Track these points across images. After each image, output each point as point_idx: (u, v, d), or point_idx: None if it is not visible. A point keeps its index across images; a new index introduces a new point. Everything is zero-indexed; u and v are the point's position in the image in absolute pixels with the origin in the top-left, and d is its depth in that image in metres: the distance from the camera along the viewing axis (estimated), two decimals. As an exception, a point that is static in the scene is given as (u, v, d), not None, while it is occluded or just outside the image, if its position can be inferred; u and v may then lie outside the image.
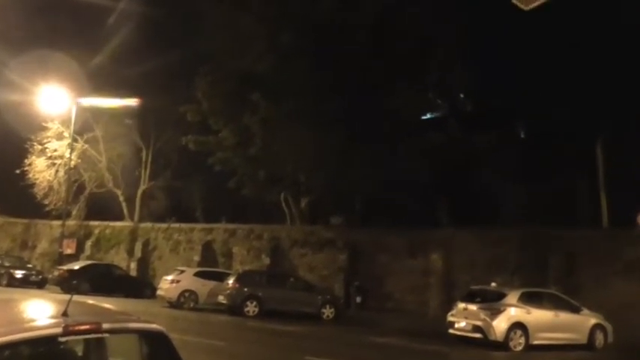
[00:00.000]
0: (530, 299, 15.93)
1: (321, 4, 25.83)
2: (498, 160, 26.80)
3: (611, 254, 21.10)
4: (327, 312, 21.67)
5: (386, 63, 25.54)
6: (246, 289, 21.16)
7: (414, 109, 27.15)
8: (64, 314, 3.38)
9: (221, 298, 21.49)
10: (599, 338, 16.34)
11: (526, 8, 4.66)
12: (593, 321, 16.41)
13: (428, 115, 31.18)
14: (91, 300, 5.09)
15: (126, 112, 33.18)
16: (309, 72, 25.47)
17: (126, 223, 35.23)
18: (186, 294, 22.89)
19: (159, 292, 24.18)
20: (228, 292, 21.27)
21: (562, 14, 20.55)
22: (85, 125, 34.46)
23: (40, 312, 3.75)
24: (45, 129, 34.38)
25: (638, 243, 18.49)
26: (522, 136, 35.15)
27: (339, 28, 25.33)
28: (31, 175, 34.36)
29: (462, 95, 29.52)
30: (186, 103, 28.99)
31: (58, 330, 3.24)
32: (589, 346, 16.13)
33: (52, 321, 3.36)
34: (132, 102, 31.25)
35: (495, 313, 15.27)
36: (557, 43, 26.86)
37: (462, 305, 16.19)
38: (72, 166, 33.73)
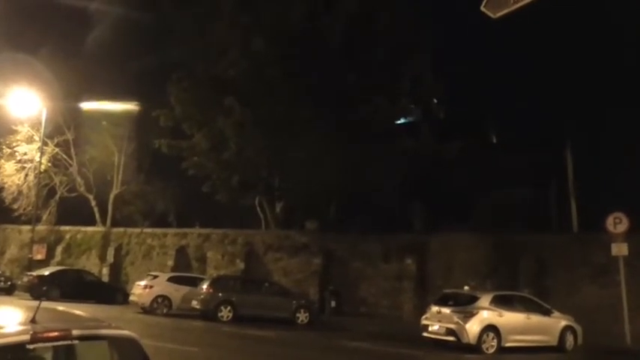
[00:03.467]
0: (502, 302, 16.12)
1: (293, 10, 25.90)
2: (470, 166, 27.14)
3: (580, 258, 21.52)
4: (302, 317, 21.65)
5: (358, 69, 25.72)
6: (220, 294, 21.02)
7: (387, 115, 27.35)
8: (33, 321, 3.34)
9: (195, 304, 21.31)
10: (570, 340, 16.62)
11: (494, 16, 4.75)
12: (563, 323, 16.69)
13: (402, 120, 31.45)
14: (61, 306, 5.02)
15: (99, 116, 32.74)
16: (282, 78, 25.52)
17: (98, 228, 34.78)
18: (160, 299, 22.65)
19: (132, 298, 23.90)
20: (202, 297, 21.11)
21: (533, 22, 20.96)
22: (56, 129, 33.98)
23: (7, 319, 3.69)
24: (14, 132, 33.83)
25: (607, 247, 18.84)
26: (494, 141, 35.71)
27: (312, 34, 25.44)
28: (-1, 179, 33.78)
29: (435, 101, 29.85)
30: (159, 107, 28.78)
31: (26, 337, 3.20)
32: (559, 347, 16.39)
33: (20, 328, 3.32)
34: (131, 106, 30.90)
35: (468, 316, 15.42)
36: (527, 51, 27.36)
37: (435, 309, 16.33)
38: (42, 170, 33.17)
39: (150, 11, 29.29)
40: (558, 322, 16.65)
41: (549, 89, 26.96)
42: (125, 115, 31.83)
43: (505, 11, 4.76)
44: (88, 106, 31.54)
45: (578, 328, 16.81)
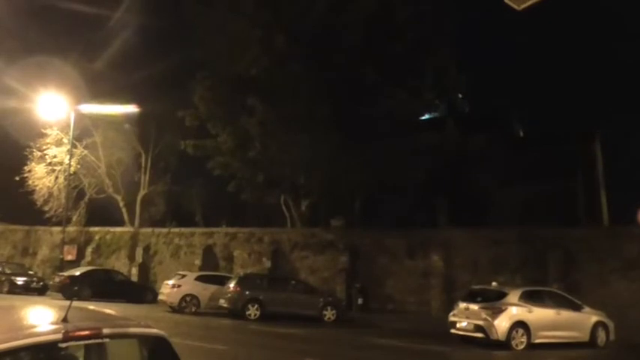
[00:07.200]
0: (531, 298, 15.91)
1: (313, 8, 25.88)
2: (497, 160, 26.83)
3: (611, 252, 21.14)
4: (329, 314, 21.67)
5: (380, 64, 25.57)
6: (247, 293, 21.16)
7: (410, 110, 27.17)
8: (64, 320, 3.39)
9: (222, 302, 21.48)
10: (601, 336, 16.32)
11: (519, 8, 4.67)
12: (594, 319, 16.39)
13: (426, 116, 31.23)
14: (92, 306, 5.11)
15: (124, 117, 33.28)
16: (303, 75, 25.53)
17: (126, 229, 35.23)
18: (188, 298, 22.88)
19: (160, 297, 24.16)
20: (230, 295, 21.27)
21: (558, 14, 20.64)
22: (84, 131, 34.50)
23: (40, 318, 3.76)
24: (44, 135, 34.38)
25: (637, 240, 18.46)
26: (521, 135, 35.27)
27: (333, 31, 25.38)
28: (30, 182, 34.32)
29: (460, 95, 29.57)
30: (184, 108, 29.07)
31: (58, 336, 3.25)
32: (591, 343, 16.09)
33: (53, 327, 3.37)
34: (131, 109, 31.38)
35: (497, 312, 15.26)
36: (554, 43, 26.91)
37: (463, 305, 16.18)
38: (71, 172, 33.71)
39: (170, 13, 29.58)
40: (589, 317, 16.37)
41: (577, 81, 26.51)
42: (147, 116, 32.20)
43: (529, 3, 4.67)
44: (88, 109, 31.97)
45: (610, 324, 16.49)
